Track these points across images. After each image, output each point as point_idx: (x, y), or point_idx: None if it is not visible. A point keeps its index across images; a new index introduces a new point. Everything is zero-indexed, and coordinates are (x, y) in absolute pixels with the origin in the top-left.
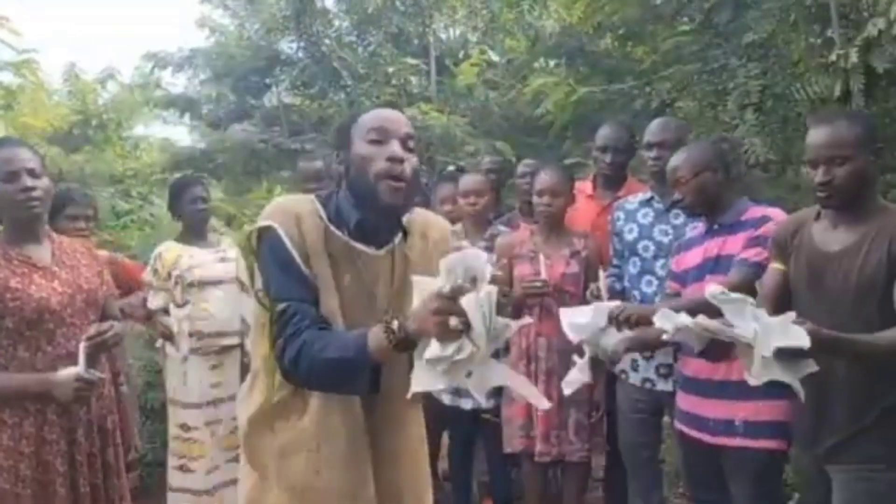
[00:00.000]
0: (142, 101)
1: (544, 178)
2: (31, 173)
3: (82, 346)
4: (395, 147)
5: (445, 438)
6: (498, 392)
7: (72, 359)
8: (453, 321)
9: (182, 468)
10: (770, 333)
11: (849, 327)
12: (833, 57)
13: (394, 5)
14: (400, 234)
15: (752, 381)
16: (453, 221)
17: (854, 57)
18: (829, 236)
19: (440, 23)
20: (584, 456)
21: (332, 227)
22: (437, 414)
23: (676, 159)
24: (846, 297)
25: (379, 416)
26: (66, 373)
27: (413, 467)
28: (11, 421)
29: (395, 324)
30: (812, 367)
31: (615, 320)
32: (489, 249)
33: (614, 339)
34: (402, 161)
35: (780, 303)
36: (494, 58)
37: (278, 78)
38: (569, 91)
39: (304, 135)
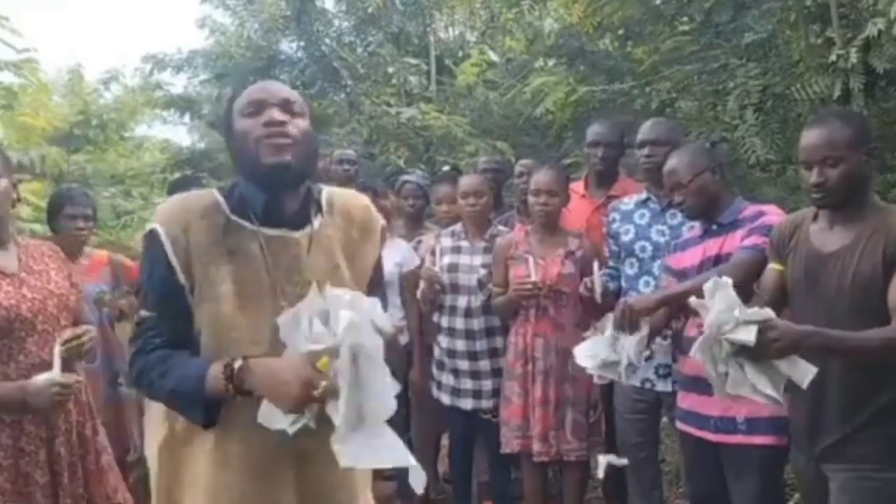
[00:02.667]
0: (142, 102)
1: (540, 178)
2: None
3: (57, 349)
4: (272, 112)
5: (445, 439)
6: (498, 392)
7: (45, 367)
8: (319, 390)
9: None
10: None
11: (844, 327)
12: (833, 57)
13: (394, 5)
14: (318, 214)
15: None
16: (451, 222)
17: (854, 57)
18: (826, 237)
19: (440, 23)
20: (582, 455)
21: (236, 218)
22: (437, 414)
23: (674, 163)
24: (842, 297)
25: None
26: (42, 378)
27: (342, 479)
28: None
29: (236, 365)
30: (811, 369)
31: (622, 322)
32: (489, 250)
33: (630, 345)
34: (281, 123)
35: (779, 303)
36: (494, 58)
37: (278, 78)
38: (569, 91)
39: None
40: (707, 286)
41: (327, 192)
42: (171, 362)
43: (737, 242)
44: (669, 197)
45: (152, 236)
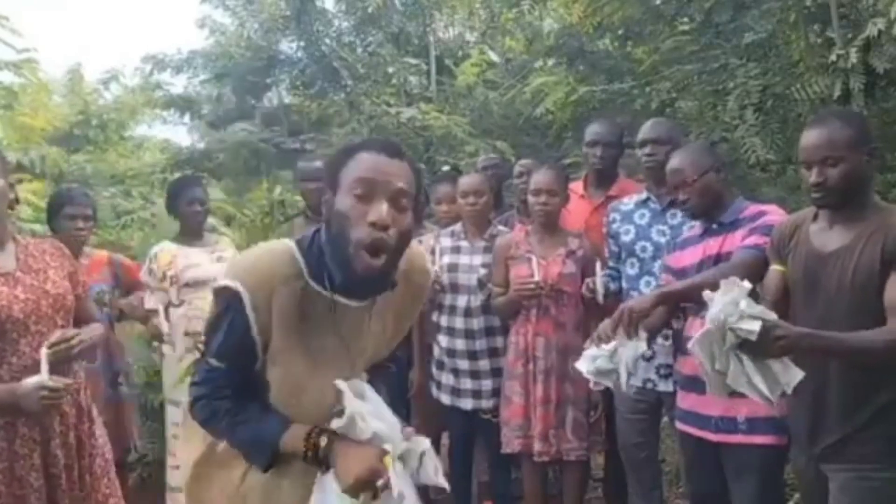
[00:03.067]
0: (142, 102)
1: (540, 178)
2: None
3: (44, 352)
4: (381, 208)
5: (445, 438)
6: (497, 392)
7: (38, 369)
8: (379, 482)
9: (180, 468)
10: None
11: (844, 327)
12: (833, 57)
13: (394, 5)
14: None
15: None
16: (451, 221)
17: (854, 57)
18: (826, 236)
19: (440, 23)
20: (582, 455)
21: (314, 284)
22: (436, 414)
23: (678, 161)
24: (841, 296)
25: None
26: (30, 382)
27: None
28: None
29: (321, 441)
30: (799, 374)
31: (620, 325)
32: (489, 250)
33: (628, 356)
34: (385, 228)
35: (782, 304)
36: (494, 58)
37: (278, 78)
38: (569, 91)
39: (304, 135)
40: (722, 286)
41: None
42: (247, 414)
43: (737, 242)
44: (673, 196)
45: (234, 297)
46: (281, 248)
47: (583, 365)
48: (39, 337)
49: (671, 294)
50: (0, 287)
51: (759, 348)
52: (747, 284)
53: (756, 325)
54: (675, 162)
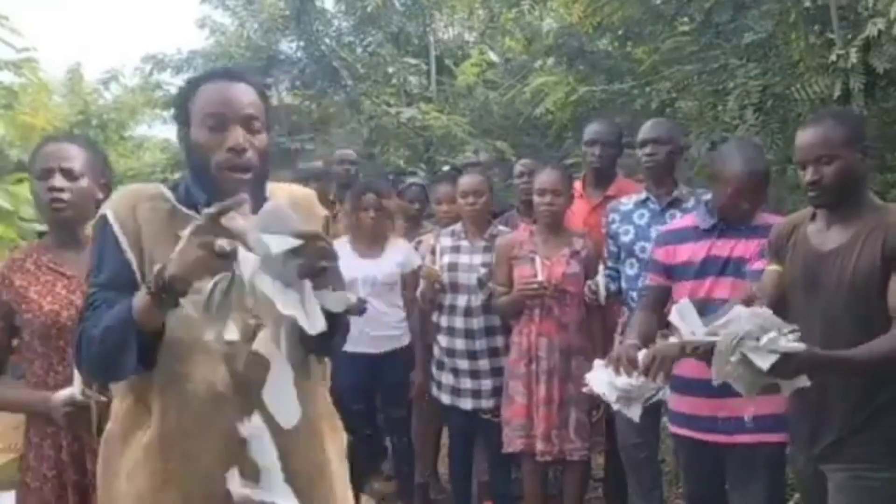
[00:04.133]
0: (142, 102)
1: (545, 178)
2: (67, 173)
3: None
4: (235, 134)
5: (445, 438)
6: (497, 392)
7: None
8: (220, 242)
9: None
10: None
11: (842, 326)
12: (833, 57)
13: (393, 5)
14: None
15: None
16: (451, 221)
17: (854, 57)
18: (824, 236)
19: (440, 23)
20: (584, 455)
21: (182, 208)
22: (436, 414)
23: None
24: (840, 296)
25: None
26: (63, 393)
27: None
28: (34, 441)
29: (155, 269)
30: (804, 381)
31: (654, 372)
32: (489, 249)
33: (652, 391)
34: (244, 150)
35: (779, 304)
36: (494, 58)
37: (278, 78)
38: (569, 91)
39: (304, 134)
40: (751, 312)
41: (270, 186)
42: (103, 313)
43: (750, 251)
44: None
45: (102, 220)
46: (144, 184)
47: (599, 386)
48: None
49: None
50: (60, 290)
51: (770, 374)
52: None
53: (768, 362)
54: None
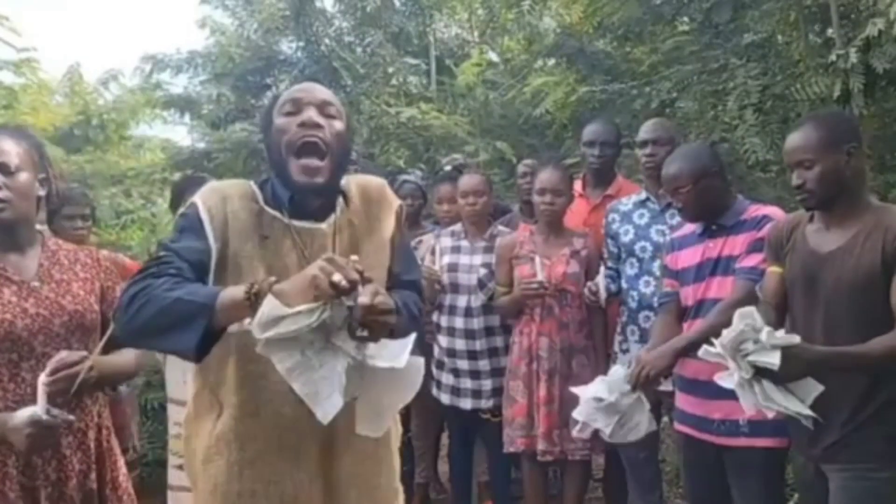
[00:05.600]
0: (142, 102)
1: (545, 177)
2: (2, 168)
3: (41, 381)
4: (309, 112)
5: (445, 438)
6: (497, 392)
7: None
8: (336, 277)
9: (181, 467)
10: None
11: (843, 327)
12: (833, 57)
13: (393, 5)
14: (341, 203)
15: (749, 410)
16: (452, 221)
17: (854, 57)
18: (822, 237)
19: (440, 23)
20: (585, 455)
21: (269, 209)
22: (436, 414)
23: (674, 167)
24: (840, 297)
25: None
26: (24, 413)
27: (365, 460)
28: None
29: (261, 279)
30: (818, 388)
31: (641, 383)
32: (489, 249)
33: (636, 408)
34: (315, 125)
35: (782, 306)
36: (494, 58)
37: (278, 78)
38: (568, 91)
39: None
40: (737, 316)
41: (346, 180)
42: (184, 283)
43: (739, 247)
44: (674, 198)
45: (192, 207)
46: (237, 180)
47: (584, 408)
48: (46, 360)
49: (686, 347)
50: (9, 297)
51: (780, 375)
52: (751, 310)
53: (776, 358)
54: (670, 168)
